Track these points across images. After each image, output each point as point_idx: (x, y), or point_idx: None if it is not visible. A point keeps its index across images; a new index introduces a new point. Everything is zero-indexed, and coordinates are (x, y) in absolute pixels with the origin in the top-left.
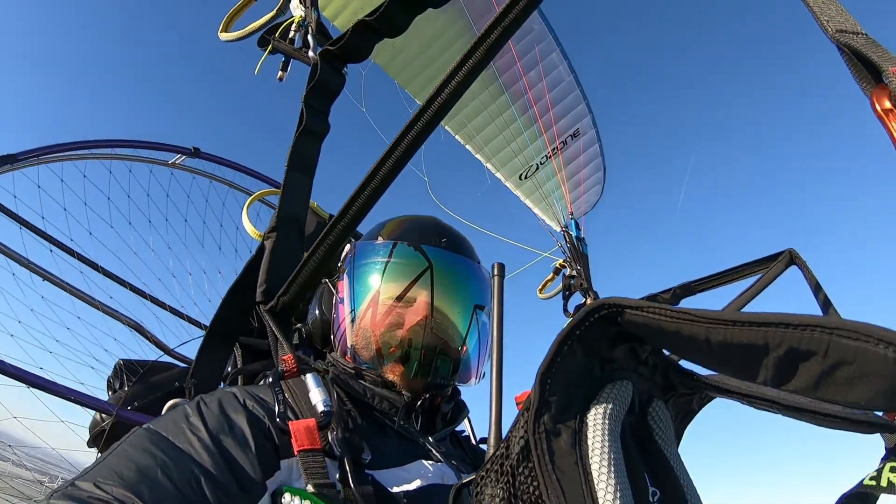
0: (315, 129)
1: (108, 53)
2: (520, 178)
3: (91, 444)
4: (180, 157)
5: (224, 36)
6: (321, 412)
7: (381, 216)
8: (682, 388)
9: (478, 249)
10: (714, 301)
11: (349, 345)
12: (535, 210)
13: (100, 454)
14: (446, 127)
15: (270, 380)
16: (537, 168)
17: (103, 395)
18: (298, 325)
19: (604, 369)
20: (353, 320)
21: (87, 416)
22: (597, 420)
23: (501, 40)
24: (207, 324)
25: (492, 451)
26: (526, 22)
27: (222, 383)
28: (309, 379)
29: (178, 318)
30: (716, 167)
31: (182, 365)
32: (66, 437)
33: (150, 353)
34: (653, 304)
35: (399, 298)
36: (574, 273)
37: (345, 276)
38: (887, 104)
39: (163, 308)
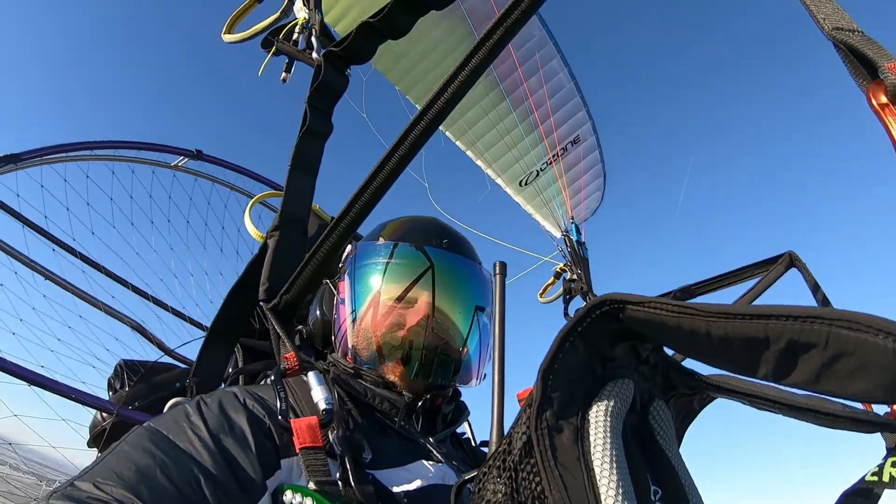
0: (318, 129)
1: (110, 55)
2: (520, 185)
3: (91, 444)
4: (182, 160)
5: (227, 38)
6: (323, 410)
7: (382, 219)
8: (682, 388)
9: (478, 254)
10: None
11: (350, 345)
12: (536, 216)
13: (100, 454)
14: (447, 133)
15: (272, 378)
16: (537, 174)
17: (104, 395)
18: (300, 327)
19: (605, 367)
20: (354, 321)
21: (87, 416)
22: (598, 417)
23: (504, 40)
24: (208, 325)
25: (494, 447)
26: (527, 28)
27: (223, 384)
28: (311, 377)
29: (180, 319)
30: (716, 167)
31: (182, 366)
32: (66, 439)
33: (152, 354)
34: (654, 299)
35: (400, 299)
36: (575, 277)
37: (346, 276)
38: (883, 99)
39: (164, 309)
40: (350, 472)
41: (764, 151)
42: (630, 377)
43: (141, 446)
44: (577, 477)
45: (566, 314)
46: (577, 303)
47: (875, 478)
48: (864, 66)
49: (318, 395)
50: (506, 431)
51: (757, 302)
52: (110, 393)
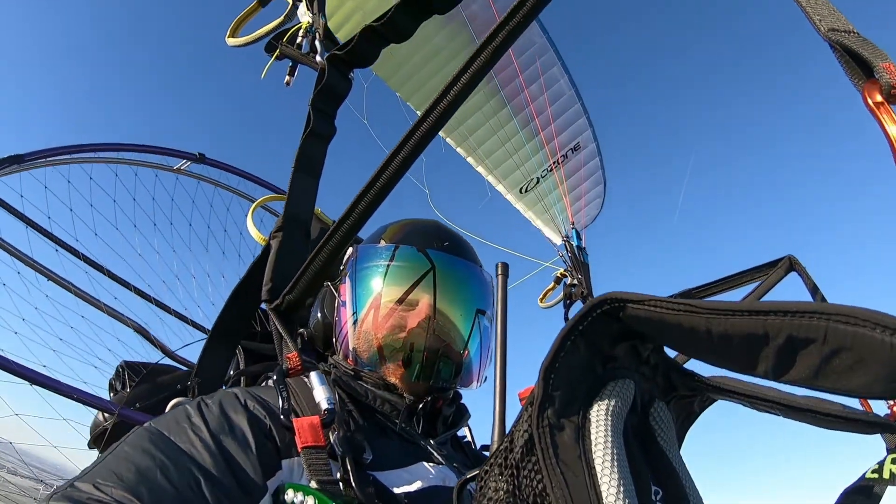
0: (322, 131)
1: (113, 56)
2: (520, 192)
3: (92, 444)
4: (185, 163)
5: (231, 41)
6: (325, 410)
7: (382, 223)
8: (683, 390)
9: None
10: None
11: (351, 347)
12: (537, 222)
13: (100, 455)
14: (448, 139)
15: (275, 377)
16: (538, 181)
17: (106, 396)
18: (301, 330)
19: (606, 367)
20: (355, 323)
21: (88, 417)
22: (599, 416)
23: (506, 44)
24: (210, 328)
25: (496, 445)
26: (527, 35)
27: (224, 385)
28: (313, 377)
29: (182, 321)
30: (716, 167)
31: (183, 368)
32: (67, 440)
33: (155, 356)
34: (654, 297)
35: (401, 301)
36: (575, 282)
37: (347, 279)
38: (878, 98)
39: (166, 311)
40: (351, 473)
41: (764, 152)
42: (631, 377)
43: (141, 447)
44: (578, 475)
45: (566, 319)
46: (578, 307)
47: (875, 475)
48: (860, 66)
49: (321, 394)
50: (507, 430)
51: None
52: (111, 394)
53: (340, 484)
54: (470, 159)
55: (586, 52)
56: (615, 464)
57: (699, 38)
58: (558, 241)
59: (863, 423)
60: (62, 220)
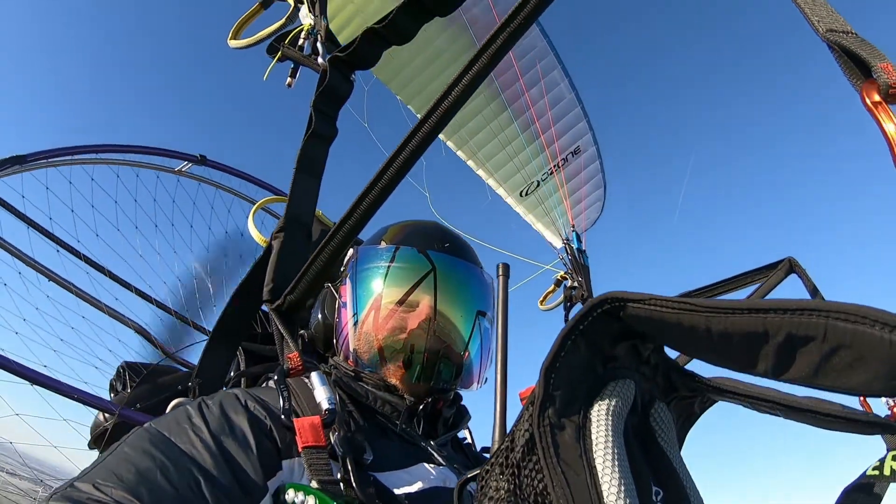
0: (323, 132)
1: (115, 57)
2: (521, 195)
3: (92, 445)
4: (187, 165)
5: (233, 43)
6: (326, 410)
7: (383, 225)
8: (683, 390)
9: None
10: None
11: (351, 349)
12: (537, 225)
13: (100, 455)
14: (448, 143)
15: (275, 378)
16: (538, 185)
17: (106, 397)
18: (301, 331)
19: (606, 367)
20: (355, 324)
21: (88, 417)
22: (600, 416)
23: (507, 46)
24: (210, 329)
25: (497, 444)
26: (528, 39)
27: (225, 386)
28: (314, 377)
29: (183, 322)
30: (716, 167)
31: (184, 369)
32: (67, 440)
33: (155, 356)
34: (654, 296)
35: (402, 302)
36: (575, 284)
37: (347, 280)
38: (876, 97)
39: (167, 312)
40: (352, 473)
41: (763, 152)
42: (631, 377)
43: (141, 448)
44: (579, 474)
45: (567, 321)
46: (578, 309)
47: (876, 472)
48: (858, 66)
49: (321, 394)
50: (508, 430)
51: None
52: (112, 394)
53: (341, 484)
54: (470, 162)
55: (586, 52)
56: (616, 463)
57: (699, 38)
58: (559, 244)
59: (863, 424)
60: (63, 220)
